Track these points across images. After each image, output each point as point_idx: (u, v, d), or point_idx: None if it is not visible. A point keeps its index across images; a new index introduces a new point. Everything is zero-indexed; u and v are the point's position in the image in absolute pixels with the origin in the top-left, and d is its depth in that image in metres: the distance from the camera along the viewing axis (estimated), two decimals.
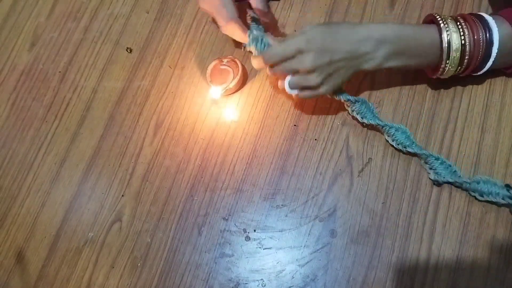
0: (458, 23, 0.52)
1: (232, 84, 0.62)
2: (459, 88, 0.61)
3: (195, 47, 0.68)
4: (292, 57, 0.53)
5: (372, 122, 0.57)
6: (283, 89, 0.56)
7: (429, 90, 0.61)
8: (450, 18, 0.52)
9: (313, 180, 0.60)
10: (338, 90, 0.57)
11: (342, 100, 0.58)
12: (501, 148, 0.58)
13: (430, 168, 0.57)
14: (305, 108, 0.63)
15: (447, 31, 0.51)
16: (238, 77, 0.62)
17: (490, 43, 0.51)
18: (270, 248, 0.58)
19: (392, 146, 0.59)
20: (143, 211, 0.61)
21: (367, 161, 0.60)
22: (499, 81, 0.60)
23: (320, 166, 0.60)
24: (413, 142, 0.58)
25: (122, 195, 0.62)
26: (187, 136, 0.64)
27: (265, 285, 0.57)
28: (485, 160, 0.58)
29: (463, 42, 0.51)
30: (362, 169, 0.59)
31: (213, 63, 0.63)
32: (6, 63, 0.71)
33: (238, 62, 0.63)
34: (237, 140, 0.63)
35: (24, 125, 0.68)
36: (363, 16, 0.65)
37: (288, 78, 0.54)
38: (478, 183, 0.55)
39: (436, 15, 0.53)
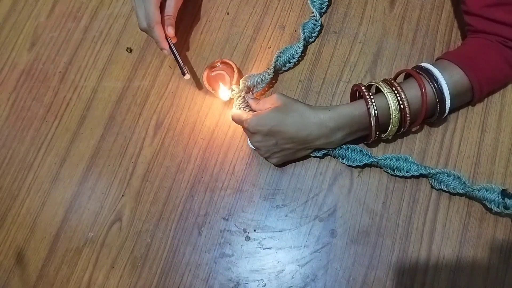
0: (394, 89, 0.52)
1: (234, 81, 0.62)
2: None
3: (195, 47, 0.68)
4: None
5: (359, 164, 0.57)
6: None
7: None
8: (386, 85, 0.53)
9: (313, 180, 0.60)
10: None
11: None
12: (501, 148, 0.58)
13: (439, 182, 0.56)
14: None
15: (375, 110, 0.52)
16: (235, 74, 0.62)
17: (440, 92, 0.52)
18: (270, 248, 0.58)
19: (398, 176, 0.58)
20: (143, 211, 0.61)
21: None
22: None
23: (320, 166, 0.60)
24: (417, 166, 0.56)
25: (122, 195, 0.62)
26: (187, 136, 0.64)
27: (265, 285, 0.57)
28: (485, 160, 0.58)
29: (400, 103, 0.52)
30: (362, 169, 0.59)
31: (205, 74, 0.63)
32: (6, 63, 0.71)
33: (227, 61, 0.63)
34: (237, 140, 0.63)
35: (24, 125, 0.68)
36: (363, 16, 0.65)
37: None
38: (479, 190, 0.54)
39: (361, 86, 0.54)
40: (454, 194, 0.57)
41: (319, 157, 0.59)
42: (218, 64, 0.63)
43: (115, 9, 0.72)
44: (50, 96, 0.68)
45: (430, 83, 0.52)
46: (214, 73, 0.63)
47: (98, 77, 0.68)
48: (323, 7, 0.65)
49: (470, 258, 0.55)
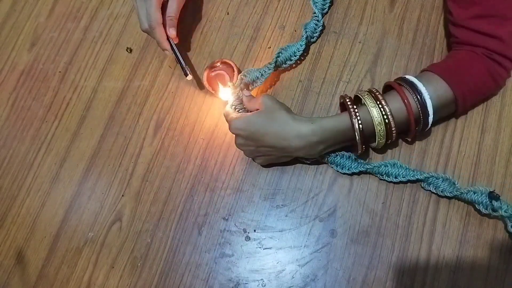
0: (378, 102, 0.52)
1: (234, 81, 0.62)
2: None
3: (195, 47, 0.68)
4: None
5: (354, 170, 0.57)
6: None
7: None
8: (369, 97, 0.53)
9: (313, 180, 0.60)
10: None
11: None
12: (501, 148, 0.58)
13: (434, 187, 0.56)
14: (305, 108, 0.63)
15: (359, 122, 0.52)
16: (235, 74, 0.62)
17: (422, 102, 0.52)
18: (270, 248, 0.58)
19: (386, 181, 0.58)
20: (143, 211, 0.61)
21: (367, 161, 0.60)
22: None
23: (320, 166, 0.60)
24: (407, 169, 0.57)
25: (122, 195, 0.62)
26: (187, 136, 0.64)
27: (265, 285, 0.57)
28: (485, 160, 0.58)
29: (385, 117, 0.52)
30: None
31: (205, 74, 0.63)
32: (6, 63, 0.71)
33: (227, 61, 0.63)
34: None
35: (24, 125, 0.68)
36: (363, 16, 0.65)
37: None
38: (467, 193, 0.54)
39: (346, 97, 0.54)
40: (443, 197, 0.56)
41: (307, 163, 0.59)
42: (218, 64, 0.63)
43: (115, 9, 0.72)
44: (50, 96, 0.68)
45: (414, 97, 0.52)
46: (214, 73, 0.63)
47: (98, 77, 0.68)
48: (325, 8, 0.65)
49: (470, 258, 0.55)
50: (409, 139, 0.57)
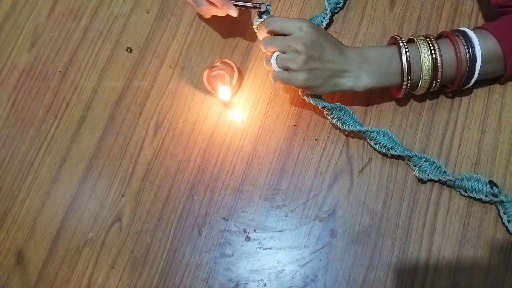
0: (428, 40, 0.53)
1: (234, 81, 0.62)
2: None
3: (195, 47, 0.68)
4: (289, 34, 0.53)
5: (352, 129, 0.57)
6: (267, 67, 0.56)
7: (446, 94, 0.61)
8: (421, 37, 0.54)
9: (313, 180, 0.60)
10: (313, 96, 0.57)
11: (320, 107, 0.58)
12: (501, 148, 0.58)
13: (415, 165, 0.58)
14: (305, 108, 0.63)
15: (406, 51, 0.52)
16: (235, 74, 0.62)
17: (472, 57, 0.52)
18: (270, 248, 0.58)
19: (376, 150, 0.59)
20: (143, 211, 0.61)
21: (367, 161, 0.60)
22: None
23: (320, 166, 0.60)
24: (396, 143, 0.58)
25: (122, 195, 0.62)
26: (187, 136, 0.64)
27: (265, 285, 0.57)
28: (485, 160, 0.58)
29: (434, 61, 0.52)
30: (362, 169, 0.59)
31: (205, 74, 0.63)
32: (6, 63, 0.71)
33: (228, 61, 0.63)
34: (237, 140, 0.63)
35: (24, 125, 0.68)
36: (363, 16, 0.65)
37: (278, 53, 0.54)
38: (461, 180, 0.55)
39: (397, 37, 0.55)
40: (434, 181, 0.57)
41: (326, 106, 0.58)
42: (218, 64, 0.63)
43: (115, 9, 0.72)
44: (50, 96, 0.68)
45: (464, 43, 0.52)
46: (214, 73, 0.63)
47: (98, 77, 0.68)
48: (337, 7, 0.66)
49: (470, 258, 0.55)
50: (450, 92, 0.57)
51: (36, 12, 0.73)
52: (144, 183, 0.63)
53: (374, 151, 0.60)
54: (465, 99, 0.60)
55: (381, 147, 0.58)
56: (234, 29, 0.67)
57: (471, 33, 0.53)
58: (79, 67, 0.69)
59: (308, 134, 0.62)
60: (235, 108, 0.64)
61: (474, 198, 0.56)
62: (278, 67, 0.54)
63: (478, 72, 0.53)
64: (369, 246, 0.57)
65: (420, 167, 0.57)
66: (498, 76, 0.57)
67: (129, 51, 0.69)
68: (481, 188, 0.55)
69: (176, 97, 0.66)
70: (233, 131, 0.63)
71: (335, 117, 0.58)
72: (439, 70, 0.52)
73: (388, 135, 0.58)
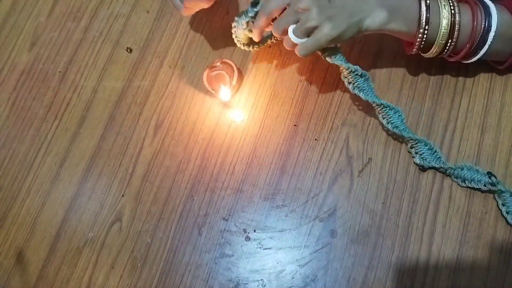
0: (450, 1, 0.52)
1: (234, 81, 0.62)
2: (459, 88, 0.61)
3: (195, 47, 0.68)
4: (288, 4, 0.51)
5: (369, 99, 0.55)
6: (291, 48, 0.54)
7: (429, 90, 0.61)
8: None
9: (313, 180, 0.60)
10: (335, 52, 0.54)
11: (341, 67, 0.55)
12: (501, 148, 0.58)
13: (416, 153, 0.58)
14: (305, 108, 0.63)
15: (427, 2, 0.51)
16: (235, 74, 0.62)
17: (487, 26, 0.52)
18: (270, 248, 0.58)
19: (383, 128, 0.59)
20: (143, 211, 0.61)
21: (367, 161, 0.60)
22: (499, 81, 0.61)
23: (320, 166, 0.60)
24: (406, 126, 0.58)
25: (122, 195, 0.62)
26: (187, 136, 0.64)
27: (265, 285, 0.57)
28: (485, 160, 0.58)
29: (452, 18, 0.51)
30: (362, 169, 0.59)
31: (205, 74, 0.63)
32: (6, 63, 0.71)
33: (228, 61, 0.63)
34: (237, 140, 0.63)
35: (24, 125, 0.68)
36: None
37: (292, 26, 0.52)
38: (462, 169, 0.56)
39: None
40: (434, 169, 0.58)
41: (332, 61, 0.55)
42: (218, 64, 0.63)
43: (115, 9, 0.72)
44: (50, 96, 0.68)
45: (482, 10, 0.52)
46: (214, 73, 0.63)
47: (98, 77, 0.68)
48: None
49: (470, 258, 0.55)
50: (455, 60, 0.56)
51: (36, 12, 0.73)
52: (144, 183, 0.63)
53: (374, 151, 0.60)
54: (465, 99, 0.60)
55: (392, 127, 0.57)
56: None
57: (491, 5, 0.52)
58: (79, 67, 0.69)
59: (308, 134, 0.62)
60: (235, 108, 0.64)
61: (473, 188, 0.56)
62: (300, 37, 0.51)
63: (489, 43, 0.52)
64: (369, 246, 0.57)
65: (421, 154, 0.57)
66: (504, 59, 0.56)
67: (129, 51, 0.69)
68: (479, 178, 0.55)
69: (176, 97, 0.66)
70: (233, 131, 0.63)
71: (352, 82, 0.56)
72: (456, 28, 0.52)
73: (401, 116, 0.57)
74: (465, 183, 0.56)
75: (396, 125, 0.57)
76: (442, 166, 0.56)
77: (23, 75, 0.70)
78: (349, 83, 0.56)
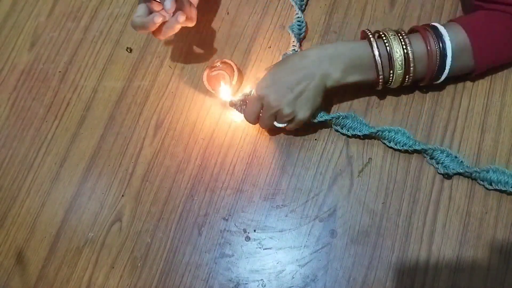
0: (400, 36, 0.53)
1: (234, 81, 0.62)
2: (459, 88, 0.61)
3: (195, 47, 0.68)
4: (262, 106, 0.56)
5: (364, 132, 0.57)
6: (277, 129, 0.60)
7: (429, 90, 0.61)
8: (392, 32, 0.54)
9: (313, 180, 0.60)
10: (315, 113, 0.58)
11: (328, 121, 0.59)
12: (501, 148, 0.58)
13: (438, 163, 0.57)
14: None
15: (377, 46, 0.53)
16: (235, 74, 0.62)
17: (443, 53, 0.52)
18: (270, 248, 0.58)
19: (393, 148, 0.58)
20: (143, 211, 0.61)
21: (367, 161, 0.60)
22: (499, 81, 0.60)
23: (320, 166, 0.60)
24: (415, 141, 0.58)
25: (122, 195, 0.62)
26: (187, 136, 0.64)
27: (265, 285, 0.57)
28: (485, 160, 0.58)
29: (405, 53, 0.52)
30: (362, 169, 0.59)
31: (205, 74, 0.63)
32: (6, 63, 0.71)
33: (227, 61, 0.63)
34: (237, 140, 0.63)
35: (24, 125, 0.68)
36: (363, 16, 0.65)
37: (275, 122, 0.58)
38: (487, 172, 0.55)
39: (367, 31, 0.55)
40: (459, 174, 0.57)
41: (319, 122, 0.58)
42: (218, 64, 0.63)
43: (115, 9, 0.72)
44: (50, 96, 0.68)
45: (434, 38, 0.52)
46: (214, 73, 0.63)
47: (98, 77, 0.68)
48: (302, 4, 0.66)
49: (470, 258, 0.55)
50: (423, 85, 0.57)
51: (36, 12, 0.73)
52: (144, 183, 0.63)
53: (374, 151, 0.60)
54: (465, 99, 0.60)
55: (401, 146, 0.57)
56: (234, 29, 0.67)
57: (442, 29, 0.53)
58: (79, 67, 0.69)
59: (308, 134, 0.62)
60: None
61: (500, 191, 0.55)
62: (284, 123, 0.57)
63: (448, 67, 0.53)
64: (369, 246, 0.57)
65: (443, 163, 0.56)
66: (470, 72, 0.57)
67: (129, 51, 0.69)
68: (506, 180, 0.54)
69: (176, 97, 0.66)
70: (233, 131, 0.63)
71: (340, 126, 0.59)
72: (411, 65, 0.53)
73: (406, 134, 0.57)
74: (491, 185, 0.55)
75: (404, 143, 0.57)
76: (467, 170, 0.55)
77: (23, 75, 0.70)
78: (342, 128, 0.59)
